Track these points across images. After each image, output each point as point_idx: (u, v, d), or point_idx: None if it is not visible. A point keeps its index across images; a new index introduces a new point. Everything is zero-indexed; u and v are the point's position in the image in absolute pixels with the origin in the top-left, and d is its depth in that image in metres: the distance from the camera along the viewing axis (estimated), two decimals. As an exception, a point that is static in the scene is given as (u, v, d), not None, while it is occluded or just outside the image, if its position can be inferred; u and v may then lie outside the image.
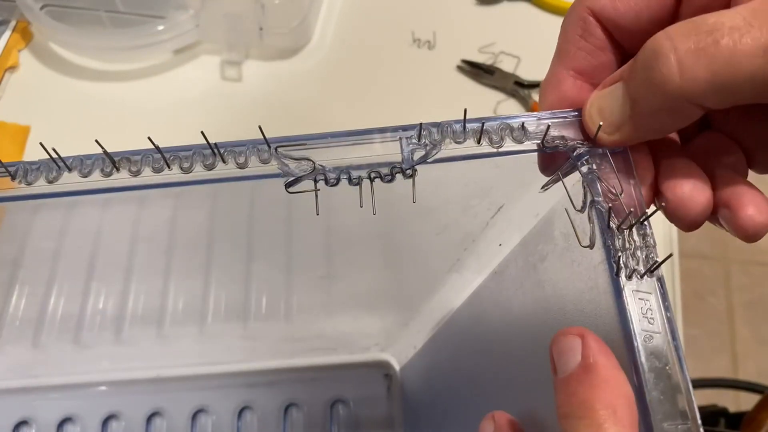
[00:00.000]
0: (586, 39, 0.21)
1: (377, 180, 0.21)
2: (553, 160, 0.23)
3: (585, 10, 0.20)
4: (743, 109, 0.20)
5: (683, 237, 1.29)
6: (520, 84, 0.53)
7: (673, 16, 0.20)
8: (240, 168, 0.21)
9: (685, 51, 0.16)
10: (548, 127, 0.21)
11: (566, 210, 0.22)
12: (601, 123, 0.20)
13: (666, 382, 0.18)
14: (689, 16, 0.17)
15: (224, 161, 0.21)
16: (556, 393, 0.18)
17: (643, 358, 0.18)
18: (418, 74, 0.55)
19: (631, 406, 0.17)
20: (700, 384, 0.82)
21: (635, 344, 0.18)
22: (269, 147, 0.21)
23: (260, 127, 0.20)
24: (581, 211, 0.21)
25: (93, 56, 0.54)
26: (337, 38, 0.56)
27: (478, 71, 0.54)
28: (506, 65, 0.55)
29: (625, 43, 0.21)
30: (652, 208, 0.20)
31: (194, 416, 0.44)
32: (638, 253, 0.20)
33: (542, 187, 0.25)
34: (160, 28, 0.51)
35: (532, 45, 0.55)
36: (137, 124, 0.51)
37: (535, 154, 0.22)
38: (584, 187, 0.21)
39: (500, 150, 0.21)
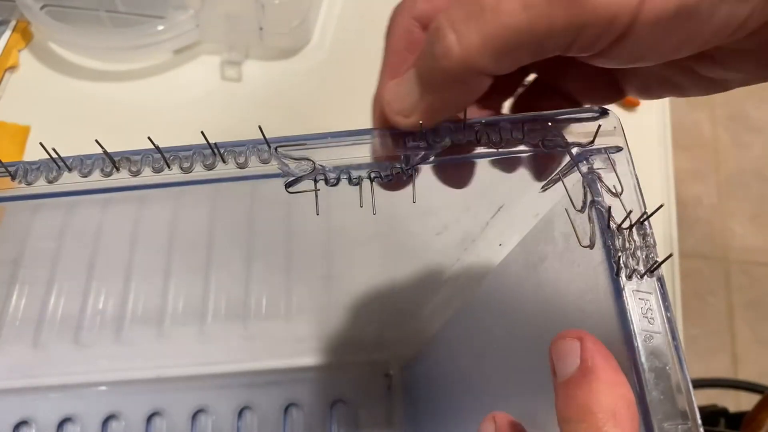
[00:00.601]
0: (410, 51, 0.21)
1: (377, 180, 0.21)
2: (546, 167, 0.23)
3: (410, 22, 0.20)
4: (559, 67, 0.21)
5: (683, 237, 1.29)
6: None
7: None
8: (240, 168, 0.21)
9: (458, 20, 0.17)
10: (548, 127, 0.21)
11: (566, 210, 0.22)
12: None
13: (666, 382, 0.18)
14: None
15: (224, 161, 0.21)
16: (555, 397, 0.18)
17: (643, 358, 0.18)
18: (418, 74, 0.54)
19: (631, 408, 0.17)
20: (700, 384, 0.82)
21: (635, 344, 0.18)
22: (269, 147, 0.21)
23: (260, 127, 0.20)
24: (581, 211, 0.21)
25: (93, 56, 0.54)
26: (337, 38, 0.56)
27: (478, 71, 0.54)
28: (506, 65, 0.54)
29: None
30: (652, 208, 0.20)
31: (194, 416, 0.44)
32: (638, 253, 0.20)
33: (542, 187, 0.25)
34: (160, 28, 0.51)
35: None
36: (137, 124, 0.51)
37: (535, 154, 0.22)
38: (584, 187, 0.21)
39: (500, 150, 0.21)
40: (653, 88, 0.22)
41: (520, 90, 0.25)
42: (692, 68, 0.20)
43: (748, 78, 0.20)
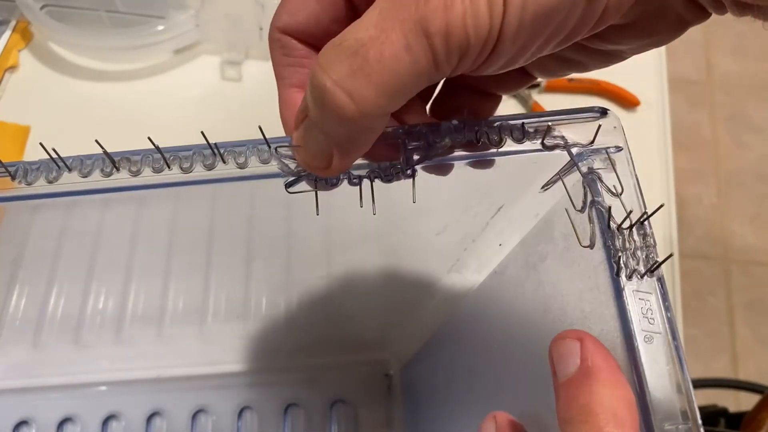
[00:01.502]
0: (290, 56, 0.21)
1: (377, 180, 0.21)
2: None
3: (276, 33, 0.21)
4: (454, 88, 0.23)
5: (683, 237, 1.29)
6: (520, 84, 0.53)
7: (351, 9, 0.21)
8: (240, 168, 0.21)
9: (344, 78, 0.17)
10: (548, 127, 0.21)
11: (566, 210, 0.22)
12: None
13: (666, 382, 0.18)
14: (365, 7, 0.18)
15: (224, 161, 0.21)
16: (556, 397, 0.18)
17: (643, 358, 0.18)
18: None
19: (632, 408, 0.17)
20: (700, 384, 0.82)
21: (635, 344, 0.18)
22: (269, 147, 0.21)
23: (260, 127, 0.20)
24: (581, 211, 0.21)
25: (93, 56, 0.54)
26: (337, 38, 0.56)
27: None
28: (506, 65, 0.54)
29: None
30: (652, 208, 0.20)
31: (194, 416, 0.44)
32: (638, 253, 0.20)
33: (542, 187, 0.25)
34: (160, 28, 0.51)
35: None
36: (137, 124, 0.51)
37: (535, 154, 0.22)
38: (584, 187, 0.21)
39: (500, 150, 0.21)
40: (554, 69, 0.23)
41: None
42: (584, 46, 0.21)
43: (638, 47, 0.21)
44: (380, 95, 0.17)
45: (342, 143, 0.19)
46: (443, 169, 0.23)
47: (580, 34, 0.18)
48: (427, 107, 0.25)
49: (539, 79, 0.25)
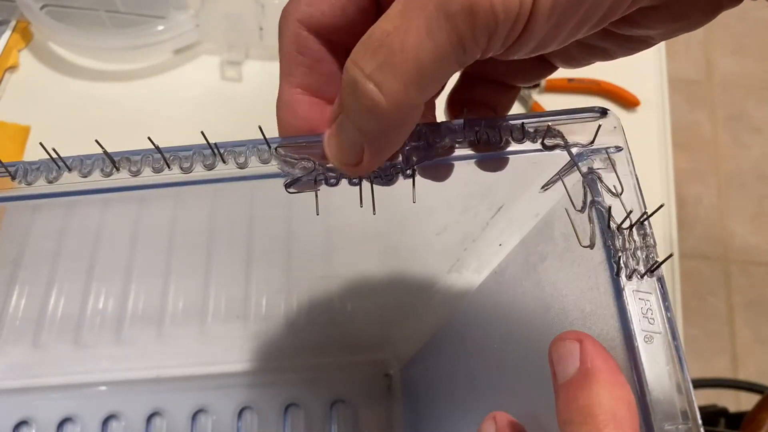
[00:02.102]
0: (303, 54, 0.20)
1: (377, 180, 0.21)
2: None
3: (296, 26, 0.20)
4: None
5: (683, 237, 1.29)
6: (520, 84, 0.53)
7: (376, 3, 0.20)
8: (240, 168, 0.21)
9: (374, 72, 0.17)
10: (548, 127, 0.21)
11: (566, 210, 0.22)
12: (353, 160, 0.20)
13: (666, 382, 0.18)
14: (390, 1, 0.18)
15: (224, 161, 0.21)
16: (556, 399, 0.18)
17: (643, 358, 0.18)
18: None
19: (632, 409, 0.17)
20: (700, 384, 0.82)
21: (635, 344, 0.18)
22: (269, 147, 0.21)
23: (260, 127, 0.20)
24: (581, 211, 0.21)
25: (93, 56, 0.54)
26: (337, 38, 0.56)
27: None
28: (506, 65, 0.55)
29: (351, 45, 0.20)
30: (652, 208, 0.20)
31: (194, 416, 0.44)
32: (638, 253, 0.20)
33: (542, 187, 0.25)
34: (160, 28, 0.51)
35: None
36: (137, 124, 0.51)
37: (535, 154, 0.22)
38: (584, 187, 0.21)
39: (500, 150, 0.21)
40: (577, 57, 0.22)
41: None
42: (611, 32, 0.20)
43: (667, 31, 0.20)
44: (408, 86, 0.17)
45: (374, 138, 0.19)
46: (440, 175, 0.23)
47: (616, 15, 0.17)
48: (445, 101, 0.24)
49: (559, 68, 0.24)
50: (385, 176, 0.21)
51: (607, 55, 0.22)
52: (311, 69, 0.21)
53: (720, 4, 0.19)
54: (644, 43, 0.21)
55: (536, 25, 0.16)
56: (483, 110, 0.24)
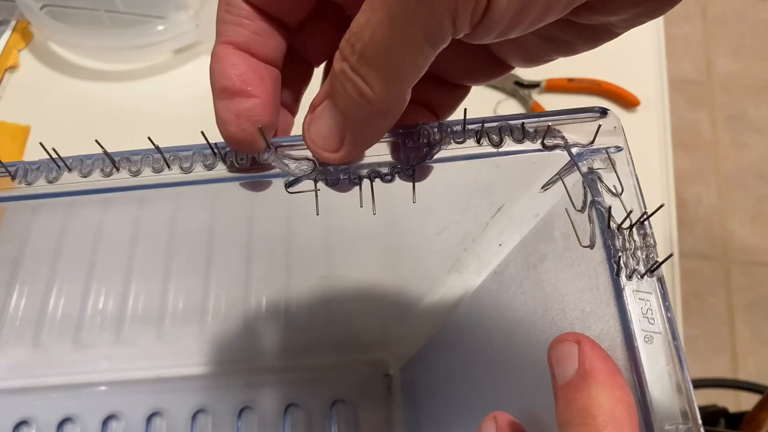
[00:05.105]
0: (231, 13, 0.21)
1: (377, 180, 0.21)
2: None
3: None
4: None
5: (683, 237, 1.29)
6: (520, 84, 0.53)
7: None
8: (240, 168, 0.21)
9: (356, 65, 0.17)
10: (548, 127, 0.21)
11: (566, 210, 0.22)
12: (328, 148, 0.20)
13: (666, 382, 0.18)
14: None
15: (224, 161, 0.21)
16: (555, 400, 0.18)
17: (643, 358, 0.18)
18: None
19: (631, 410, 0.17)
20: (700, 384, 0.82)
21: (635, 344, 0.18)
22: (269, 147, 0.21)
23: (260, 129, 0.20)
24: (581, 211, 0.21)
25: (93, 56, 0.54)
26: (337, 38, 0.56)
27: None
28: (506, 65, 0.55)
29: (272, 5, 0.21)
30: (652, 208, 0.20)
31: (194, 416, 0.44)
32: (638, 253, 0.20)
33: (542, 187, 0.25)
34: (160, 28, 0.51)
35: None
36: (137, 124, 0.51)
37: (535, 154, 0.22)
38: (584, 187, 0.21)
39: (500, 150, 0.21)
40: (537, 52, 0.22)
41: None
42: (572, 21, 0.20)
43: (630, 19, 0.19)
44: (388, 78, 0.17)
45: (358, 126, 0.19)
46: (420, 175, 0.22)
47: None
48: None
49: (515, 68, 0.23)
50: (385, 176, 0.21)
51: (569, 49, 0.21)
52: (240, 25, 0.21)
53: None
54: (607, 33, 0.20)
55: (499, 4, 0.16)
56: (423, 113, 0.24)
